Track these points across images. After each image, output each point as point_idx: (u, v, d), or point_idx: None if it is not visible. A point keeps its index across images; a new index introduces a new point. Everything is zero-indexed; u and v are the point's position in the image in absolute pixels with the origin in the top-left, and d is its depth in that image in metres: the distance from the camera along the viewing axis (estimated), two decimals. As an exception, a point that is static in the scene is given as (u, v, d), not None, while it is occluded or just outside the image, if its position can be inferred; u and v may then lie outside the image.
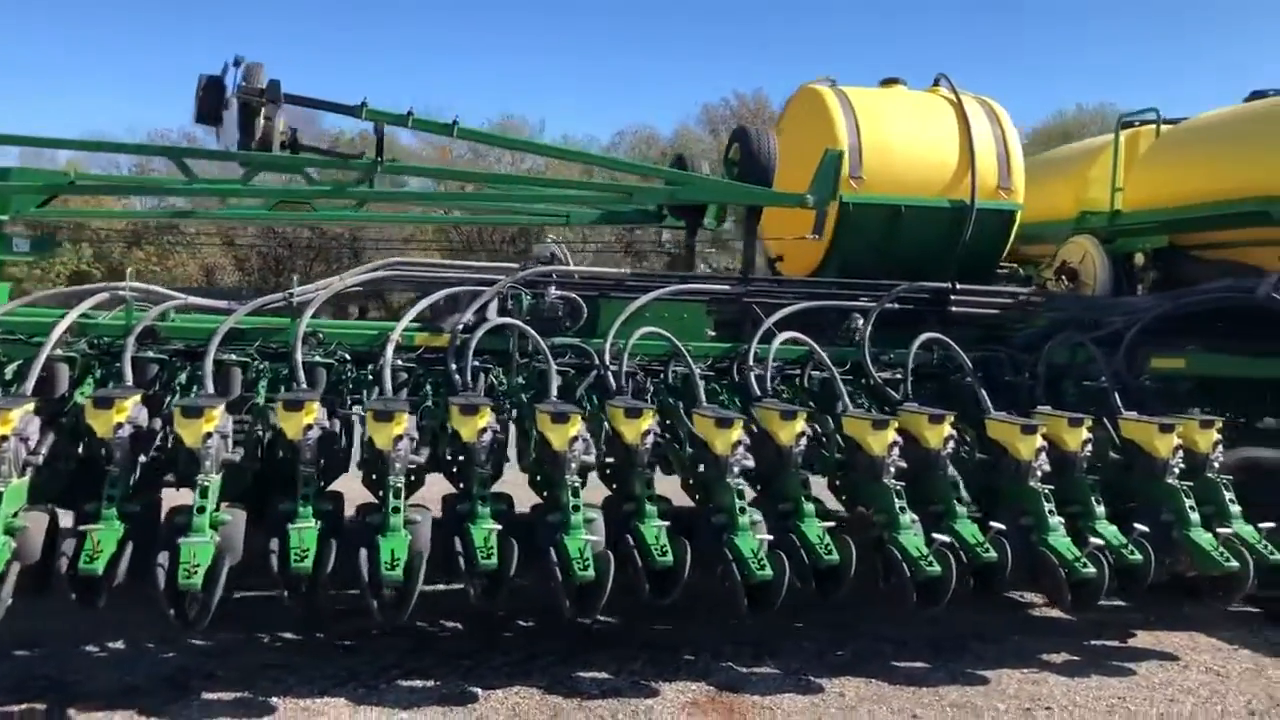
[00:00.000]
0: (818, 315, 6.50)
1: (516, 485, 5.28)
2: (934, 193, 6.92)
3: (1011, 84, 60.46)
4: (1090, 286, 7.50)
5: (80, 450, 4.89)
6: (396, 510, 4.60)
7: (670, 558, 4.71)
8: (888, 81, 7.59)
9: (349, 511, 5.02)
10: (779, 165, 7.19)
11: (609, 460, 5.37)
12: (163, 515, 4.73)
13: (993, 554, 5.01)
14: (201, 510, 4.42)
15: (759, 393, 5.63)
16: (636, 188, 6.54)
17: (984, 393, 5.83)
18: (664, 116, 67.44)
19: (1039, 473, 5.35)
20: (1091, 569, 5.01)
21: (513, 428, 5.40)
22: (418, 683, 4.79)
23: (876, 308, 6.22)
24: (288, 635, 5.48)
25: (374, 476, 4.98)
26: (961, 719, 4.61)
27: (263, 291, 5.75)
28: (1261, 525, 5.48)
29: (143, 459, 4.90)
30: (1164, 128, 7.90)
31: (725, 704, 4.67)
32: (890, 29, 61.47)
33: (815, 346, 5.92)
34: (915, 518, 5.16)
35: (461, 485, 5.18)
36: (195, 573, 4.21)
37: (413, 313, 5.59)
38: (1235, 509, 5.56)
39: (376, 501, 4.88)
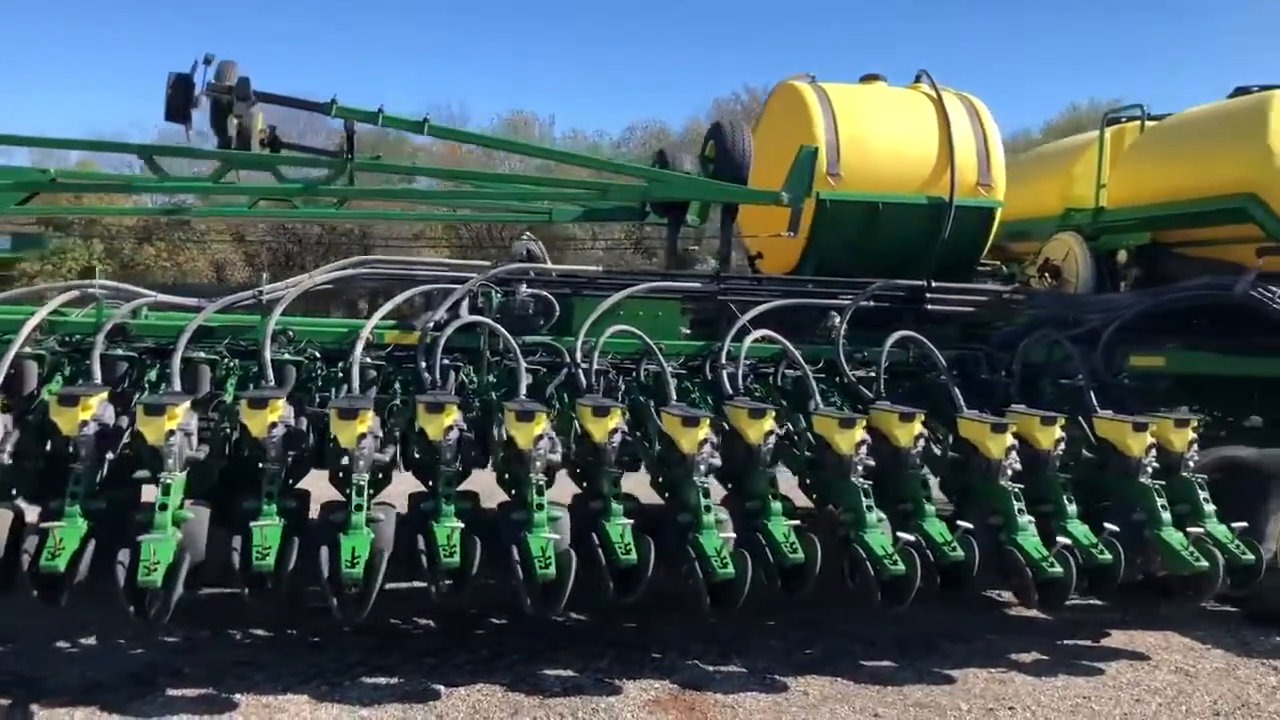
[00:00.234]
0: (796, 314, 6.50)
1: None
2: (912, 190, 6.89)
3: (1028, 78, 60.38)
4: (1073, 284, 7.47)
5: (47, 448, 4.90)
6: (360, 508, 4.61)
7: (634, 556, 4.71)
8: (868, 78, 7.55)
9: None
10: (758, 162, 7.17)
11: (578, 459, 5.37)
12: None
13: (960, 553, 5.01)
14: (164, 508, 4.42)
15: (730, 391, 5.62)
16: (611, 185, 6.52)
17: (957, 391, 5.81)
18: (675, 111, 67.43)
19: (1009, 471, 5.34)
20: (1059, 568, 5.00)
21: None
22: (382, 680, 4.80)
23: (851, 305, 6.21)
24: (259, 632, 5.50)
25: (340, 474, 4.99)
26: (923, 718, 4.60)
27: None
28: (1235, 525, 5.45)
29: (110, 456, 4.93)
30: (1148, 124, 7.84)
31: (687, 702, 4.66)
32: (905, 24, 61.44)
33: (788, 345, 5.91)
34: (882, 516, 5.15)
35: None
36: (155, 570, 4.22)
37: (383, 310, 5.59)
38: (1209, 508, 5.54)
39: (343, 499, 4.88)
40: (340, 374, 5.52)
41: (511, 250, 6.75)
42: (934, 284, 6.42)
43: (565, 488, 5.43)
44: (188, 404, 4.73)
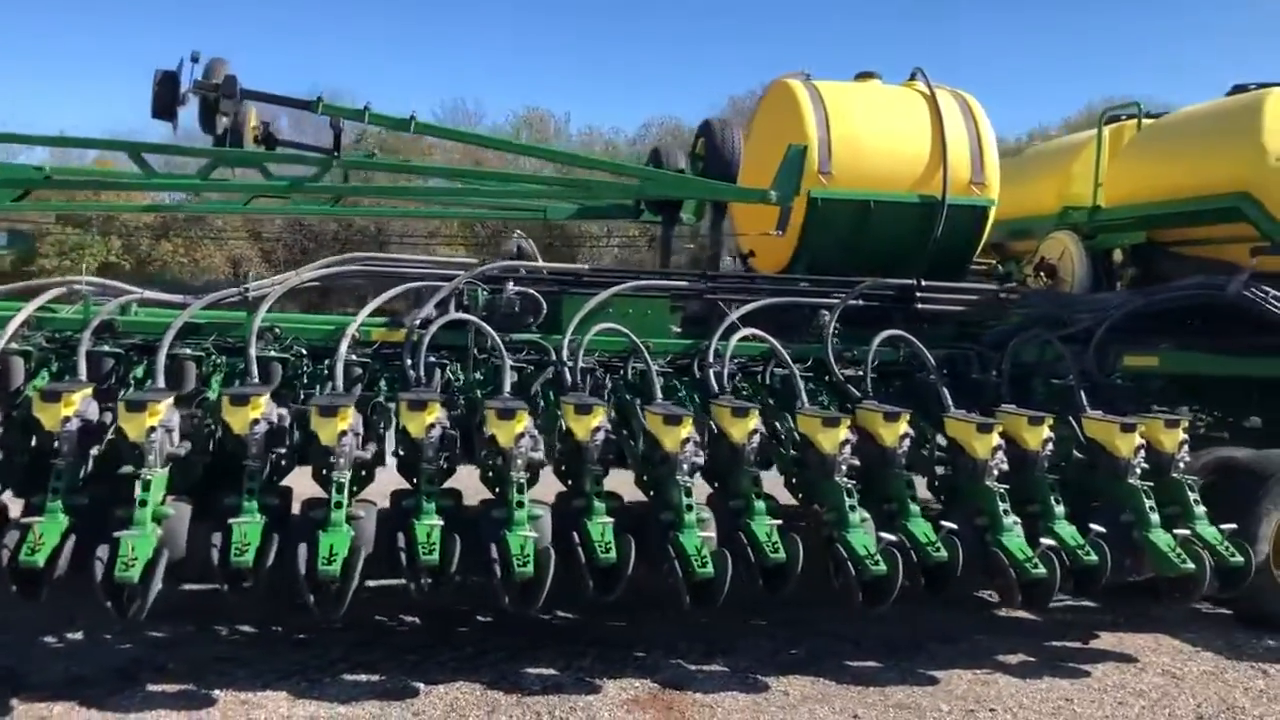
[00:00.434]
0: (788, 313, 6.48)
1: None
2: (905, 188, 6.85)
3: (1051, 75, 60.09)
4: (1069, 283, 7.42)
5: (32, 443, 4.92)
6: (339, 505, 4.61)
7: (614, 555, 4.70)
8: (863, 75, 7.52)
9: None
10: (752, 160, 7.16)
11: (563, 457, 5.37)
12: None
13: (944, 553, 4.98)
14: (143, 504, 4.44)
15: (716, 389, 5.61)
16: (599, 183, 6.51)
17: (946, 390, 5.78)
18: (691, 108, 67.14)
19: (995, 471, 5.30)
20: (1042, 569, 4.96)
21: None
22: (362, 677, 4.81)
23: (840, 304, 6.19)
24: (245, 628, 5.52)
25: (324, 471, 5.00)
26: (903, 719, 4.57)
27: None
28: (1224, 526, 5.41)
29: (95, 452, 4.96)
30: (1145, 122, 7.78)
31: (665, 701, 4.65)
32: (926, 23, 61.32)
33: (775, 343, 5.89)
34: (866, 516, 5.13)
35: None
36: (132, 565, 4.23)
37: (370, 307, 5.60)
38: (1199, 510, 5.49)
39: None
40: (326, 371, 5.54)
41: (502, 248, 6.74)
42: (924, 283, 6.38)
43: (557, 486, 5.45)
44: (170, 400, 4.74)
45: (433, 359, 5.54)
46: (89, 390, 4.83)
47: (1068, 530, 5.26)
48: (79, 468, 4.77)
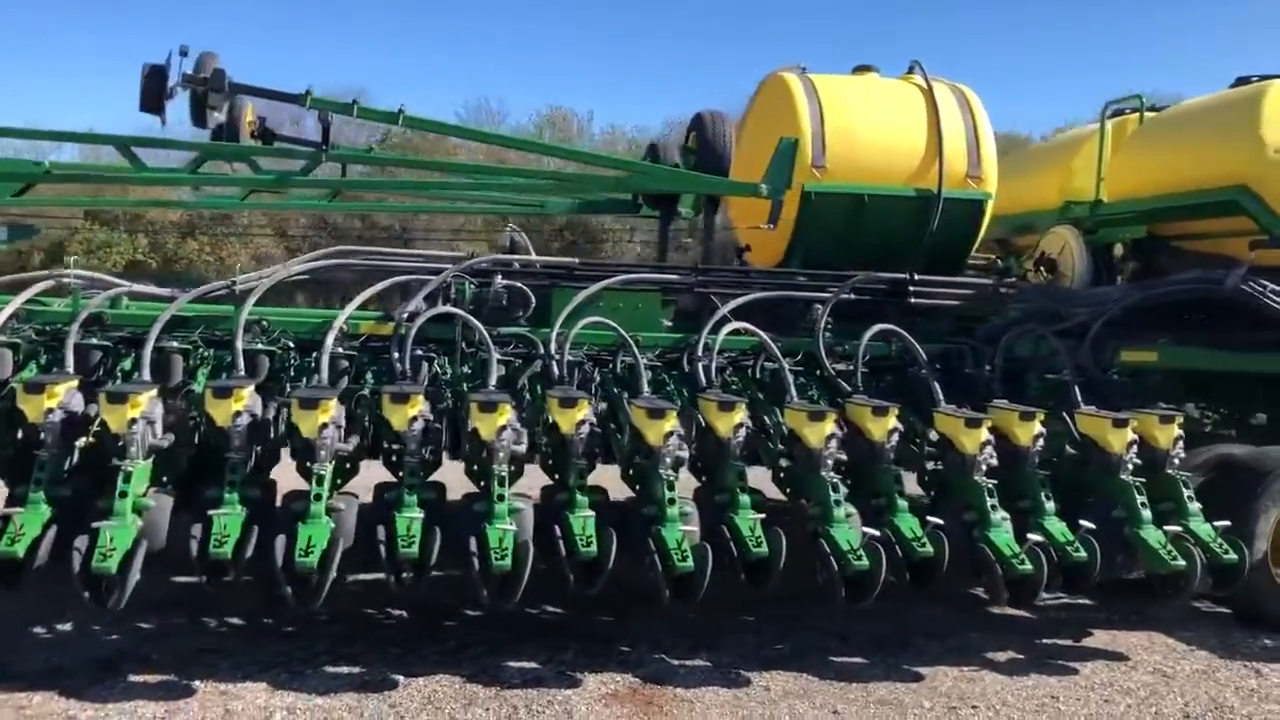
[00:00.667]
0: (782, 307, 6.44)
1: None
2: (900, 181, 6.79)
3: (1084, 71, 59.68)
4: (1069, 278, 7.33)
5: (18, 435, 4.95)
6: (319, 497, 4.62)
7: (594, 549, 4.68)
8: (860, 69, 7.46)
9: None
10: (747, 153, 7.13)
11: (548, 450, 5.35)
12: None
13: (929, 549, 4.93)
14: (123, 495, 4.45)
15: (704, 383, 5.58)
16: (589, 177, 6.49)
17: (937, 385, 5.73)
18: (712, 105, 66.90)
19: (984, 467, 5.25)
20: (1029, 566, 4.91)
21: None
22: (344, 669, 4.81)
23: (832, 298, 6.15)
24: (233, 620, 5.53)
25: (307, 464, 5.00)
26: (883, 715, 4.53)
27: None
28: (1218, 523, 5.33)
29: (80, 444, 4.98)
30: (1147, 115, 7.68)
31: (645, 696, 4.63)
32: (949, 19, 61.07)
33: (765, 338, 5.85)
34: (852, 511, 5.09)
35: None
36: (110, 556, 4.25)
37: (357, 301, 5.60)
38: (1194, 506, 5.42)
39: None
40: (313, 364, 5.54)
41: (499, 241, 6.74)
42: (917, 277, 6.33)
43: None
44: (152, 393, 4.76)
45: (420, 352, 5.55)
46: (74, 382, 4.86)
47: (1058, 526, 5.20)
48: (63, 459, 4.80)
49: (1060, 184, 8.12)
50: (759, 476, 5.69)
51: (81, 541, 4.35)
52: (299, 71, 59.48)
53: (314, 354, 5.51)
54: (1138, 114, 8.02)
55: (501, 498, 4.76)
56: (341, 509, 4.73)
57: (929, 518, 5.05)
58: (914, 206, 6.77)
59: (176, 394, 5.19)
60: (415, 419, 4.89)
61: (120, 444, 4.55)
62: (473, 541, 4.64)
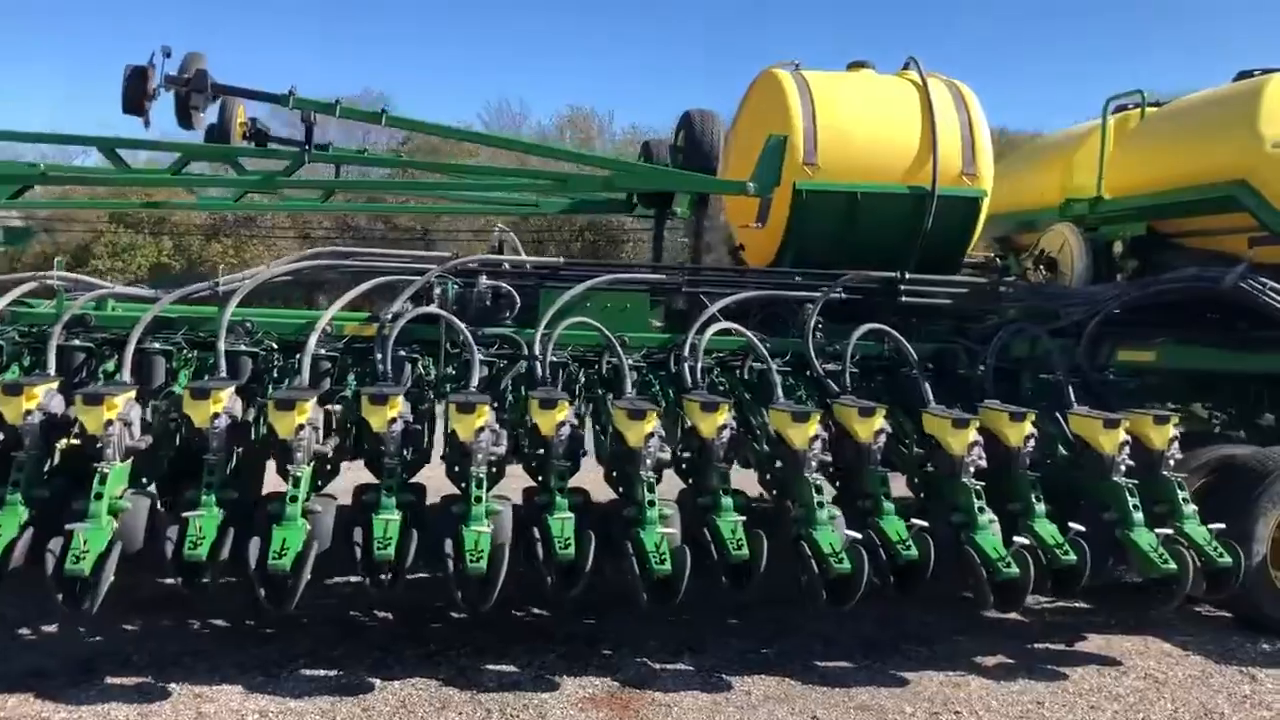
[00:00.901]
0: (775, 307, 6.37)
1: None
2: (894, 179, 6.69)
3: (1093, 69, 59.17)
4: (1068, 276, 7.23)
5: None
6: (295, 499, 4.60)
7: (572, 551, 4.64)
8: (855, 65, 7.37)
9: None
10: (740, 151, 7.07)
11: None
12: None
13: (914, 552, 4.86)
14: (99, 497, 4.44)
15: (690, 384, 5.53)
16: (575, 176, 6.45)
17: (927, 385, 5.65)
18: (731, 105, 66.77)
19: (972, 468, 5.17)
20: (1015, 569, 4.82)
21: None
22: (320, 672, 4.78)
23: (821, 297, 6.08)
24: (219, 622, 5.51)
25: (287, 466, 4.98)
26: (862, 721, 4.47)
27: None
28: (1213, 526, 5.23)
29: (61, 446, 4.98)
30: (1148, 110, 7.56)
31: (622, 700, 4.58)
32: (952, 15, 60.59)
33: (752, 338, 5.79)
34: (835, 513, 5.02)
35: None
36: (83, 558, 4.24)
37: (340, 302, 5.58)
38: (1189, 509, 5.31)
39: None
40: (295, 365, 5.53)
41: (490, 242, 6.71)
42: (908, 275, 6.25)
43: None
44: (130, 394, 4.75)
45: (403, 353, 5.53)
46: (53, 384, 4.86)
47: (1048, 529, 5.11)
48: (42, 461, 4.80)
49: (1062, 180, 8.01)
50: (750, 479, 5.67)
51: (55, 543, 4.34)
52: (321, 76, 59.93)
53: (297, 355, 5.51)
54: (1138, 109, 7.90)
55: (479, 499, 4.72)
56: (318, 511, 4.71)
57: (914, 520, 4.98)
58: (908, 204, 6.66)
59: (158, 395, 5.18)
60: (394, 420, 4.86)
61: (97, 445, 4.54)
62: (448, 544, 4.61)
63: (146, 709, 4.33)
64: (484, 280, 5.78)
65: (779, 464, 5.33)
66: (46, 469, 4.91)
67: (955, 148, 6.75)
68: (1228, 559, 5.06)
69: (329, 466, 5.16)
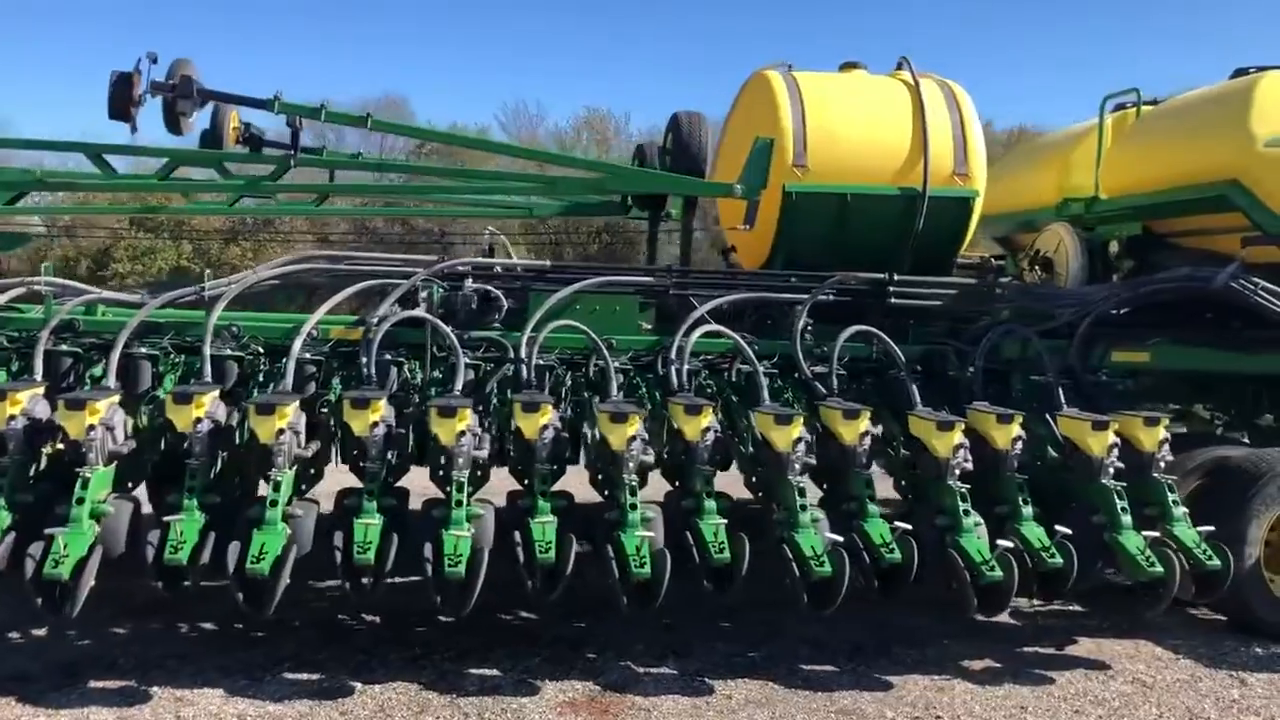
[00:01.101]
0: (765, 309, 6.35)
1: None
2: (885, 180, 6.65)
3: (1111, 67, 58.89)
4: (1063, 276, 7.18)
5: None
6: (275, 503, 4.60)
7: (552, 555, 4.63)
8: (847, 66, 7.34)
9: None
10: (730, 152, 7.05)
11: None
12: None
13: (897, 555, 4.84)
14: (80, 501, 4.47)
15: (676, 386, 5.51)
16: (564, 179, 6.44)
17: (914, 387, 5.62)
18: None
19: (957, 471, 5.14)
20: (999, 572, 4.79)
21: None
22: (303, 675, 4.79)
23: (809, 299, 6.05)
24: (206, 625, 5.54)
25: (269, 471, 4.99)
26: (842, 726, 4.44)
27: None
28: (1202, 528, 5.18)
29: (47, 451, 5.01)
30: (1144, 109, 7.50)
31: (602, 704, 4.57)
32: (992, 11, 60.57)
33: (739, 340, 5.77)
34: (818, 516, 5.00)
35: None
36: (63, 562, 4.26)
37: (326, 306, 5.59)
38: (1178, 511, 5.27)
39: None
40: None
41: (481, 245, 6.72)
42: (897, 277, 6.21)
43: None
44: (113, 399, 4.77)
45: (389, 357, 5.53)
46: (39, 389, 4.88)
47: (1035, 532, 5.08)
48: (27, 465, 4.83)
49: (1059, 180, 7.95)
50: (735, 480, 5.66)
51: (36, 548, 4.36)
52: (343, 79, 60.24)
53: (283, 359, 5.52)
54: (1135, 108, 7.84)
55: (460, 504, 4.72)
56: (299, 515, 4.72)
57: (898, 523, 4.96)
58: (899, 205, 6.63)
59: (144, 400, 5.21)
60: (376, 424, 4.87)
61: (80, 450, 4.56)
62: (428, 548, 4.61)
63: (126, 712, 4.35)
64: (469, 284, 5.78)
65: (763, 466, 5.32)
66: (32, 474, 4.93)
67: (947, 148, 6.71)
68: (1216, 562, 5.02)
69: (312, 471, 5.17)
